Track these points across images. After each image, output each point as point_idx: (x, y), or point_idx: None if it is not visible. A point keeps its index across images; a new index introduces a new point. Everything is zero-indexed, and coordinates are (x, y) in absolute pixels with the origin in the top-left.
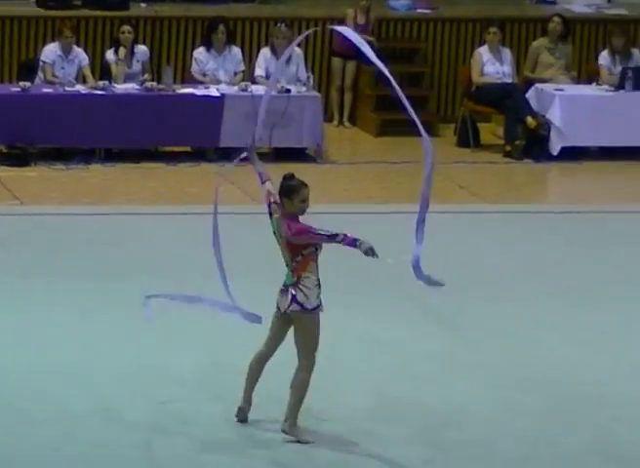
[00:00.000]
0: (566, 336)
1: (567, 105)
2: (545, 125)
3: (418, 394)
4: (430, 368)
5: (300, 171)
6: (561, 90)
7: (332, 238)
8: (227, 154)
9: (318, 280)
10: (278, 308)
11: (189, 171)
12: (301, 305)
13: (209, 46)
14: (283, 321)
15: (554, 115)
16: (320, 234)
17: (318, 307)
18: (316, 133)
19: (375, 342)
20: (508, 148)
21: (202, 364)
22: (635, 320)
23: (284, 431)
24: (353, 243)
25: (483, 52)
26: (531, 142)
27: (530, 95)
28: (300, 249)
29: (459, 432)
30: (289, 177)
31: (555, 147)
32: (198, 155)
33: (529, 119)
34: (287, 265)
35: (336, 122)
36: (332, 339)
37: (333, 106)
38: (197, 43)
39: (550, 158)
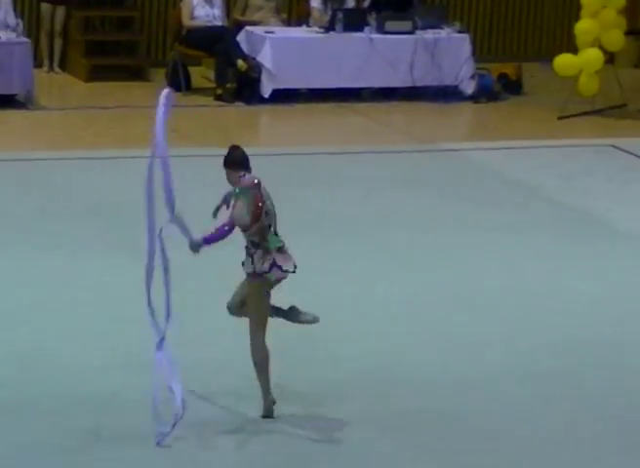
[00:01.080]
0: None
1: (277, 48)
2: (256, 68)
3: None
4: None
5: (11, 117)
6: (271, 32)
7: None
8: None
9: None
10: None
11: None
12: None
13: None
14: None
15: (265, 58)
16: None
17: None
18: (26, 79)
19: None
20: (220, 91)
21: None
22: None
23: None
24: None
25: None
26: (242, 85)
27: (240, 38)
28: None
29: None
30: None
31: (266, 90)
32: None
33: (239, 62)
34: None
35: (46, 68)
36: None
37: (43, 52)
38: None
39: (262, 100)
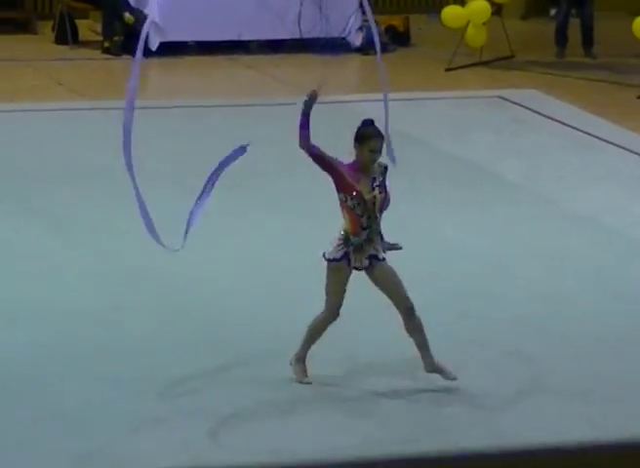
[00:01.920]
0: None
1: (164, 0)
2: (143, 20)
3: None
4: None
5: None
6: None
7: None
8: None
9: (346, 234)
10: None
11: None
12: (324, 254)
13: None
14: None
15: (152, 10)
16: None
17: (335, 261)
18: None
19: None
20: (107, 44)
21: None
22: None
23: (290, 362)
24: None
25: None
26: (129, 38)
27: None
28: (337, 190)
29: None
30: (367, 123)
31: (154, 43)
32: None
33: (126, 15)
34: None
35: None
36: None
37: None
38: None
39: (149, 54)
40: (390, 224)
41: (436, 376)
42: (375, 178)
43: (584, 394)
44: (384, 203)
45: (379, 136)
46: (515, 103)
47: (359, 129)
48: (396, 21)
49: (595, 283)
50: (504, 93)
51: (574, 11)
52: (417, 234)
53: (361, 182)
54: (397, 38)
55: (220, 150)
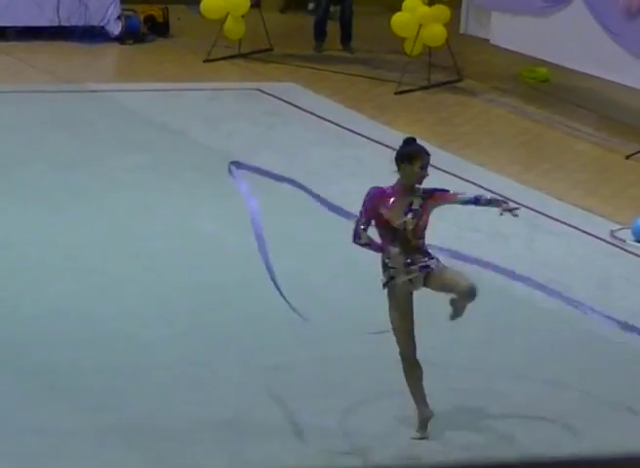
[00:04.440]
0: None
1: None
2: None
3: None
4: None
5: None
6: None
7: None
8: None
9: (384, 260)
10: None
11: None
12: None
13: None
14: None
15: None
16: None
17: (384, 285)
18: None
19: None
20: None
21: None
22: None
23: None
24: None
25: None
26: None
27: None
28: None
29: None
30: (411, 141)
31: None
32: None
33: None
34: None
35: None
36: None
37: None
38: None
39: None
40: (149, 217)
41: None
42: (412, 203)
43: None
44: (419, 228)
45: (426, 152)
46: (273, 96)
47: (404, 148)
48: (155, 12)
49: (346, 272)
50: (262, 85)
51: (332, 7)
52: (170, 226)
53: (395, 208)
54: (156, 28)
55: None
